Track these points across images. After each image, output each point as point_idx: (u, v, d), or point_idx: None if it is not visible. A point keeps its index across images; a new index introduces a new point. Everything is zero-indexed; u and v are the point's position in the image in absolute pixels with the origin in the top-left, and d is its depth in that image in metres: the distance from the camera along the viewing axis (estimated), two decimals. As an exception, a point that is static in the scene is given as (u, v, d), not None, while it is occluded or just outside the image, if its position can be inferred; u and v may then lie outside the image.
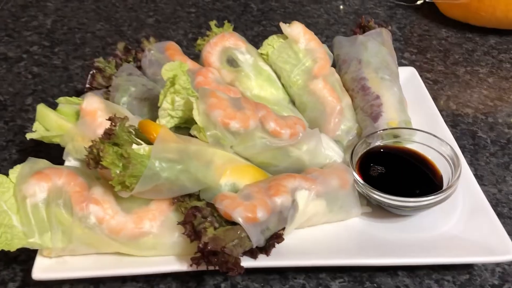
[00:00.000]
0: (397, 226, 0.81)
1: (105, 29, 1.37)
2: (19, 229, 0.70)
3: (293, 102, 1.00)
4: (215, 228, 0.70)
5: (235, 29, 1.05)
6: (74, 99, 0.90)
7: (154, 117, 0.85)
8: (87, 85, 0.99)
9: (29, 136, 0.85)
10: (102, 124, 0.82)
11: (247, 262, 0.71)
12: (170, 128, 0.81)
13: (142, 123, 0.76)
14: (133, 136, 0.73)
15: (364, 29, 1.06)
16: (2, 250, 0.69)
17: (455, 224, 0.80)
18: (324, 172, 0.81)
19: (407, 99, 0.98)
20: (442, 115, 1.00)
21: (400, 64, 1.22)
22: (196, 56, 1.05)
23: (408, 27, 1.41)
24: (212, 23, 1.03)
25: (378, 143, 0.88)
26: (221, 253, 0.67)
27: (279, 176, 0.78)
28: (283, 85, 1.00)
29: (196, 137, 0.79)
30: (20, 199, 0.71)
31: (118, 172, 0.69)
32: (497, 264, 0.80)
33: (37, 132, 0.85)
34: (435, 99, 1.10)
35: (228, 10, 1.47)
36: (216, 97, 0.80)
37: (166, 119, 0.83)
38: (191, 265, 0.70)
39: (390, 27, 1.07)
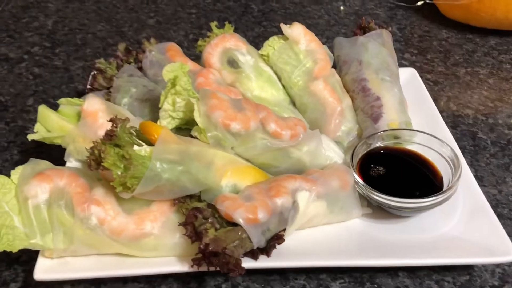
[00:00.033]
0: (397, 227, 0.81)
1: (106, 30, 1.37)
2: (21, 230, 0.71)
3: (293, 103, 1.00)
4: (216, 229, 0.70)
5: (235, 30, 1.05)
6: (75, 100, 0.90)
7: (155, 118, 0.85)
8: (88, 86, 0.99)
9: (30, 137, 0.85)
10: (103, 125, 0.82)
11: (248, 263, 0.72)
12: (171, 129, 0.81)
13: (143, 124, 0.76)
14: (134, 137, 0.74)
15: (364, 30, 1.06)
16: (4, 251, 0.69)
17: (455, 225, 0.80)
18: (324, 173, 0.81)
19: (408, 100, 0.98)
20: (442, 116, 1.00)
21: (401, 65, 1.22)
22: (196, 57, 1.06)
23: (408, 28, 1.41)
24: (213, 24, 1.03)
25: (379, 144, 0.88)
26: (222, 254, 0.68)
27: (280, 177, 0.78)
28: (283, 86, 1.00)
29: (197, 138, 0.80)
30: (22, 200, 0.71)
31: (119, 173, 0.69)
32: (497, 265, 0.80)
33: (38, 133, 0.86)
34: (435, 100, 1.10)
35: (228, 11, 1.47)
36: (217, 98, 0.80)
37: (167, 120, 0.83)
38: (192, 266, 0.70)
39: (390, 28, 1.07)
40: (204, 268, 0.70)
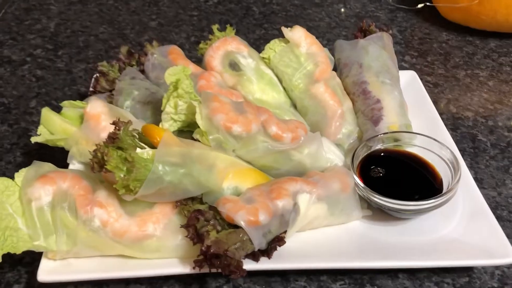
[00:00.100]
0: (397, 229, 0.82)
1: (108, 32, 1.38)
2: (25, 232, 0.71)
3: (294, 105, 1.00)
4: (217, 231, 0.71)
5: (237, 33, 1.06)
6: (78, 102, 0.91)
7: (157, 120, 0.86)
8: (91, 89, 1.00)
9: (34, 139, 0.86)
10: (106, 128, 0.83)
11: (249, 265, 0.72)
12: (173, 132, 0.82)
13: (145, 127, 0.77)
14: (136, 140, 0.74)
15: (365, 33, 1.06)
16: (8, 252, 0.70)
17: (455, 227, 0.81)
18: (325, 175, 0.82)
19: (408, 102, 0.99)
20: (442, 118, 1.01)
21: (401, 67, 1.23)
22: (198, 59, 1.06)
23: (409, 30, 1.42)
24: (215, 27, 1.04)
25: (379, 146, 0.89)
26: (224, 256, 0.68)
27: (281, 180, 0.79)
28: (284, 88, 1.01)
29: (199, 141, 0.80)
30: (25, 202, 0.72)
31: (122, 175, 0.69)
32: (497, 267, 0.80)
33: (41, 135, 0.86)
34: (435, 102, 1.11)
35: (230, 13, 1.48)
36: (219, 101, 0.80)
37: (169, 123, 0.84)
38: (194, 268, 0.71)
39: (391, 31, 1.08)
40: (205, 270, 0.70)
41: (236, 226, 0.71)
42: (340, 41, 1.07)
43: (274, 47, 1.01)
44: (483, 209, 0.82)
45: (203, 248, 0.68)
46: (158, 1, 1.53)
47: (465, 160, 0.95)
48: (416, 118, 0.97)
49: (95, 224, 0.72)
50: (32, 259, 0.79)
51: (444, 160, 0.85)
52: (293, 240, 0.77)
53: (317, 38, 1.02)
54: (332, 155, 0.88)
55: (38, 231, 0.71)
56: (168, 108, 0.82)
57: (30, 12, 1.46)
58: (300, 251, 0.77)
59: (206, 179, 0.76)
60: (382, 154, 0.89)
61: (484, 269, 0.80)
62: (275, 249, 0.74)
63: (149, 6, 1.51)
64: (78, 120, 0.88)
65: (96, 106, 0.85)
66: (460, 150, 0.95)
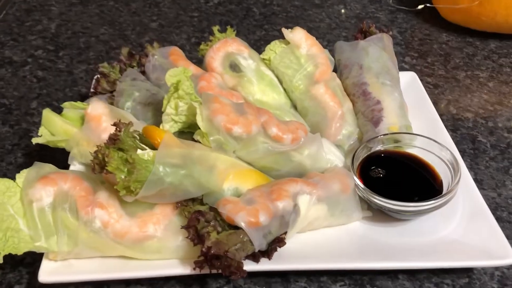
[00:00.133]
0: (397, 230, 0.82)
1: (109, 33, 1.39)
2: (26, 233, 0.72)
3: (295, 106, 1.01)
4: (218, 232, 0.71)
5: (237, 33, 1.06)
6: (79, 104, 0.91)
7: (158, 121, 0.87)
8: (92, 90, 1.00)
9: (35, 140, 0.86)
10: (106, 129, 0.83)
11: (249, 266, 0.72)
12: (174, 133, 0.82)
13: (146, 128, 0.77)
14: (137, 141, 0.75)
15: (365, 34, 1.07)
16: (9, 253, 0.70)
17: (455, 228, 0.81)
18: (325, 176, 0.82)
19: (408, 103, 0.99)
20: (442, 119, 1.01)
21: (401, 68, 1.23)
22: (199, 60, 1.07)
23: (409, 31, 1.42)
24: (215, 28, 1.04)
25: (379, 147, 0.89)
26: (224, 257, 0.68)
27: (281, 181, 0.79)
28: (285, 90, 1.01)
29: (200, 142, 0.81)
30: (26, 203, 0.72)
31: (123, 177, 0.70)
32: (496, 268, 0.81)
33: (42, 136, 0.87)
34: (435, 103, 1.11)
35: (230, 14, 1.48)
36: (219, 103, 0.81)
37: (170, 124, 0.84)
38: (194, 269, 0.71)
39: (391, 32, 1.08)
40: (206, 270, 0.71)
41: (237, 227, 0.71)
42: (340, 42, 1.08)
43: (274, 48, 1.01)
44: (482, 210, 0.82)
45: (203, 249, 0.69)
46: (159, 2, 1.53)
47: (465, 161, 0.95)
48: (416, 119, 0.97)
49: (96, 225, 0.72)
50: (33, 259, 0.80)
51: (444, 161, 0.85)
52: (293, 241, 0.78)
53: (317, 39, 1.03)
54: (332, 156, 0.89)
55: (39, 232, 0.72)
56: (169, 109, 0.83)
57: (31, 13, 1.46)
58: (300, 252, 0.77)
59: (206, 180, 0.76)
60: (382, 155, 0.89)
61: (484, 270, 0.80)
62: (276, 250, 0.74)
63: (150, 7, 1.51)
64: (79, 121, 0.88)
65: (97, 107, 0.86)
66: (460, 151, 0.95)
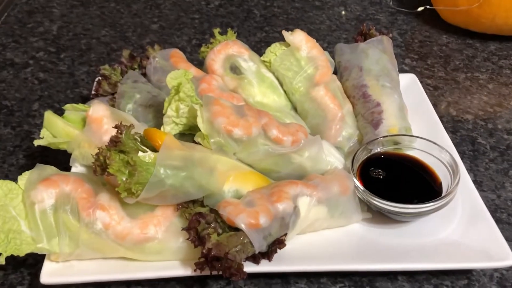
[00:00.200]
0: (396, 232, 0.82)
1: (110, 35, 1.39)
2: (28, 235, 0.72)
3: (295, 109, 1.01)
4: (218, 234, 0.71)
5: (238, 35, 1.06)
6: (80, 106, 0.92)
7: (158, 123, 0.87)
8: (93, 92, 1.01)
9: (36, 142, 0.86)
10: (108, 131, 0.83)
11: (249, 267, 0.73)
12: (175, 135, 0.83)
13: (147, 130, 0.77)
14: (138, 143, 0.75)
15: (365, 36, 1.07)
16: (11, 254, 0.71)
17: (454, 230, 0.82)
18: (325, 178, 0.82)
19: (408, 105, 0.99)
20: (442, 121, 1.02)
21: (401, 70, 1.23)
22: (199, 62, 1.07)
23: (409, 33, 1.42)
24: (216, 31, 1.04)
25: (379, 149, 0.90)
26: (225, 259, 0.69)
27: (281, 183, 0.79)
28: (285, 92, 1.02)
29: (200, 144, 0.81)
30: (28, 205, 0.73)
31: (124, 179, 0.70)
32: (496, 270, 0.81)
33: (44, 138, 0.87)
34: (435, 105, 1.12)
35: (231, 16, 1.48)
36: (220, 105, 0.81)
37: (171, 126, 0.85)
38: (195, 270, 0.71)
39: (391, 35, 1.08)
40: (206, 272, 0.71)
41: (237, 229, 0.72)
42: (341, 44, 1.08)
43: (275, 51, 1.02)
44: (482, 211, 0.83)
45: (204, 251, 0.69)
46: (160, 4, 1.54)
47: (464, 162, 0.96)
48: (416, 122, 0.97)
49: (97, 226, 0.73)
50: (35, 261, 0.80)
51: (443, 163, 0.85)
52: (293, 242, 0.78)
53: (317, 41, 1.03)
54: (332, 158, 0.89)
55: (41, 233, 0.72)
56: (170, 111, 0.83)
57: (33, 15, 1.47)
58: (300, 254, 0.78)
59: (207, 182, 0.76)
60: (382, 157, 0.89)
61: (483, 271, 0.81)
62: (276, 251, 0.74)
63: (151, 9, 1.51)
64: (81, 123, 0.88)
65: (98, 110, 0.86)
66: (459, 153, 0.95)
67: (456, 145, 0.97)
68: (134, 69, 1.03)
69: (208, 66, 1.01)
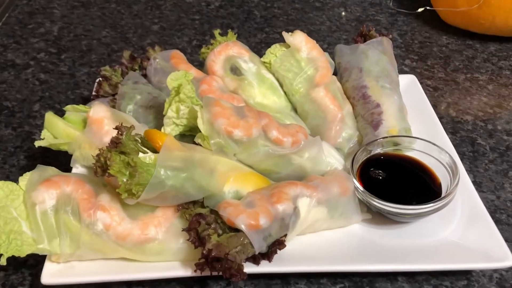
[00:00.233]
0: (396, 233, 0.83)
1: (111, 36, 1.39)
2: (29, 235, 0.72)
3: (295, 110, 1.01)
4: (218, 235, 0.72)
5: (238, 36, 1.07)
6: (81, 107, 0.92)
7: (159, 124, 0.87)
8: (94, 93, 1.01)
9: (37, 143, 0.87)
10: (108, 132, 0.84)
11: (249, 268, 0.73)
12: (175, 136, 0.83)
13: (147, 132, 0.78)
14: (139, 144, 0.75)
15: (365, 37, 1.07)
16: (12, 255, 0.71)
17: (454, 230, 0.82)
18: (325, 179, 0.82)
19: (407, 106, 0.99)
20: (442, 122, 1.02)
21: (401, 71, 1.24)
22: (200, 63, 1.07)
23: (409, 34, 1.43)
24: (216, 32, 1.05)
25: (379, 150, 0.90)
26: (225, 259, 0.69)
27: (281, 184, 0.80)
28: (285, 93, 1.02)
29: (200, 145, 0.81)
30: (29, 206, 0.73)
31: (124, 180, 0.71)
32: (495, 270, 0.81)
33: (45, 139, 0.87)
34: (435, 106, 1.12)
35: (231, 17, 1.49)
36: (220, 106, 0.82)
37: (171, 127, 0.85)
38: (195, 271, 0.72)
39: (391, 36, 1.08)
40: (207, 273, 0.71)
41: (237, 230, 0.72)
42: (341, 45, 1.08)
43: (275, 52, 1.02)
44: (481, 212, 0.83)
45: (204, 252, 0.69)
46: (160, 5, 1.54)
47: (464, 163, 0.96)
48: (415, 122, 0.97)
49: (98, 227, 0.73)
50: (36, 261, 0.80)
51: (443, 164, 0.86)
52: (293, 243, 0.78)
53: (317, 41, 1.03)
54: (332, 159, 0.89)
55: (42, 234, 0.72)
56: (170, 112, 0.84)
57: (34, 16, 1.47)
58: (300, 254, 0.78)
59: (207, 183, 0.77)
60: (381, 158, 0.89)
61: (483, 272, 0.81)
62: (276, 252, 0.75)
63: (151, 10, 1.52)
64: (81, 124, 0.89)
65: (99, 111, 0.87)
66: (459, 154, 0.96)
67: (456, 146, 0.98)
68: (134, 70, 1.03)
69: (208, 67, 1.01)
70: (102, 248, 0.74)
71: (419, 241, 0.81)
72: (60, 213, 0.73)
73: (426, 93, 1.08)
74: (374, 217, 0.84)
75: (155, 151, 0.76)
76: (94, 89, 1.01)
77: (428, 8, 1.42)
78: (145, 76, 1.03)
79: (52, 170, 0.79)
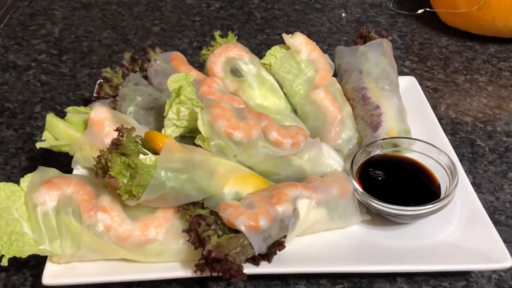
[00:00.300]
0: (395, 234, 0.83)
1: (112, 37, 1.40)
2: (30, 236, 0.73)
3: (295, 111, 1.02)
4: (218, 236, 0.72)
5: (239, 38, 1.07)
6: (82, 108, 0.93)
7: (159, 126, 0.88)
8: (95, 95, 1.01)
9: (39, 145, 0.87)
10: (109, 134, 0.84)
11: (249, 269, 0.73)
12: (175, 138, 0.84)
13: (148, 133, 0.78)
14: (139, 146, 0.76)
15: (365, 39, 1.08)
16: (13, 256, 0.71)
17: (453, 232, 0.82)
18: (324, 181, 0.83)
19: (407, 107, 1.00)
20: (441, 123, 1.02)
21: (401, 72, 1.24)
22: (200, 65, 1.08)
23: (409, 35, 1.43)
24: (217, 34, 1.05)
25: (378, 152, 0.90)
26: (225, 260, 0.70)
27: (281, 185, 0.80)
28: (285, 94, 1.02)
29: (201, 147, 0.82)
30: (31, 207, 0.74)
31: (125, 181, 0.71)
32: (494, 271, 0.81)
33: (46, 141, 0.88)
34: (435, 107, 1.12)
35: (232, 19, 1.49)
36: (220, 108, 0.82)
37: (172, 129, 0.85)
38: (195, 272, 0.72)
39: (390, 37, 1.09)
40: (207, 273, 0.72)
41: (237, 231, 0.73)
42: (341, 47, 1.09)
43: (275, 53, 1.02)
44: (480, 213, 0.83)
45: (204, 253, 0.70)
46: (161, 6, 1.54)
47: (463, 165, 0.96)
48: (415, 124, 0.98)
49: (99, 228, 0.73)
50: (37, 262, 0.81)
51: (442, 166, 0.86)
52: (292, 244, 0.79)
53: (318, 43, 1.04)
54: (331, 161, 0.90)
55: (43, 235, 0.73)
56: (171, 114, 0.84)
57: (35, 17, 1.48)
58: (299, 255, 0.78)
59: (207, 185, 0.77)
60: (381, 159, 0.90)
61: (481, 273, 0.81)
62: (275, 253, 0.75)
63: (152, 11, 1.52)
64: (82, 126, 0.89)
65: (100, 112, 0.87)
66: (458, 155, 0.96)
67: (455, 147, 0.98)
68: (135, 72, 1.04)
69: (208, 69, 1.02)
70: (103, 249, 0.74)
71: (418, 242, 0.81)
72: (61, 214, 0.73)
73: (425, 95, 1.09)
74: (374, 218, 0.84)
75: (155, 152, 0.76)
76: (95, 91, 1.02)
77: (428, 9, 1.43)
78: (145, 77, 1.03)
79: (53, 172, 0.79)
